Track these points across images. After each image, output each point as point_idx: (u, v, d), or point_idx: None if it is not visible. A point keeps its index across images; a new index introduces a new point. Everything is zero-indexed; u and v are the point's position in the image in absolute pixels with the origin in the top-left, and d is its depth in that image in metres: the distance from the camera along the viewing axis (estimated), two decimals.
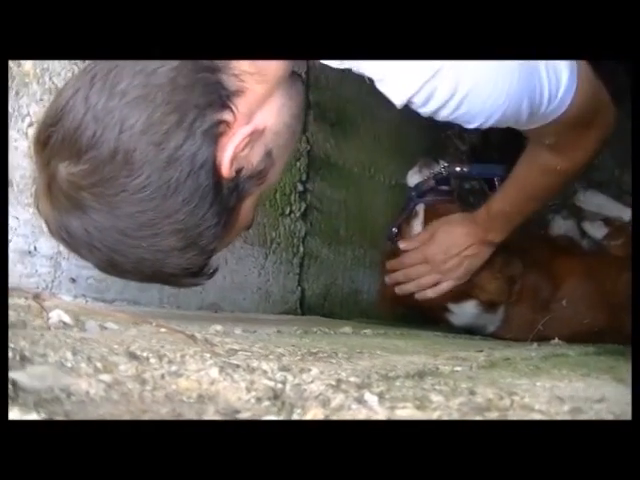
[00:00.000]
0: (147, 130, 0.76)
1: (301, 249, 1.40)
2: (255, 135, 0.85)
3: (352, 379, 0.59)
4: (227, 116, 0.81)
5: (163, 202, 0.78)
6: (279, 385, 0.55)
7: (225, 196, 0.83)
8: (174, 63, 0.79)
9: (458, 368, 0.75)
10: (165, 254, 0.81)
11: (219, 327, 0.85)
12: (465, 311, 1.49)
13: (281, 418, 0.51)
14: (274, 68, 0.87)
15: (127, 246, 0.80)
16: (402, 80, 0.86)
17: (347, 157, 1.54)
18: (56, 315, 0.70)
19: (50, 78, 0.98)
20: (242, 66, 0.83)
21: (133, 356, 0.58)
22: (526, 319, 1.52)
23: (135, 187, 0.77)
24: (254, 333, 0.90)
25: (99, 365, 0.55)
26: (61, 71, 0.99)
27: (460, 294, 1.47)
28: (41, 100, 0.97)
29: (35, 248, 0.96)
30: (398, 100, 0.87)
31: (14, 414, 0.47)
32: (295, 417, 0.51)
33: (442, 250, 1.42)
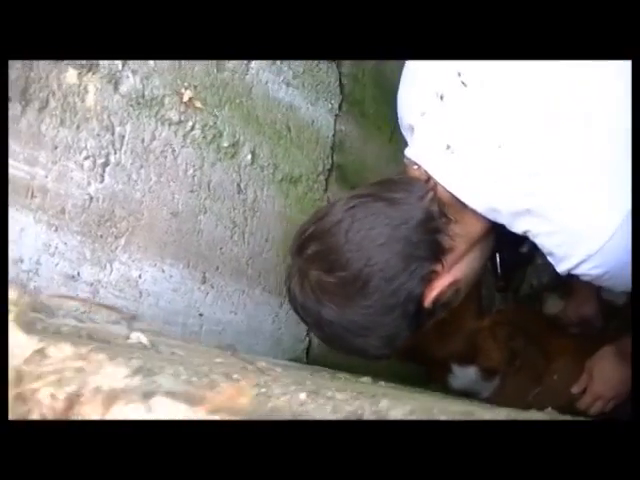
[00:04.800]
0: (383, 269, 1.00)
1: None
2: (453, 283, 1.07)
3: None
4: (438, 267, 1.04)
5: (379, 317, 1.03)
6: (359, 411, 0.61)
7: (422, 318, 1.08)
8: (412, 223, 1.00)
9: None
10: (367, 345, 1.07)
11: (264, 363, 0.91)
12: (465, 375, 1.54)
13: None
14: (479, 231, 1.06)
15: (343, 335, 1.05)
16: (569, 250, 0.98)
17: None
18: (135, 337, 0.75)
19: (108, 116, 1.05)
20: (456, 229, 1.04)
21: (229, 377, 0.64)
22: (519, 389, 1.57)
23: (364, 305, 1.02)
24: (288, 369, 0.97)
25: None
26: (118, 110, 1.06)
27: (465, 358, 1.53)
28: (98, 135, 1.04)
29: (78, 273, 1.01)
30: (560, 269, 1.01)
31: None
32: None
33: (608, 387, 1.51)
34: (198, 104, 1.15)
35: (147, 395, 0.56)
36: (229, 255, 1.25)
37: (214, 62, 1.20)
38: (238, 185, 1.25)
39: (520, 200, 0.96)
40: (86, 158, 1.02)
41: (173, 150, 1.13)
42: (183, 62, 1.14)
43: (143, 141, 1.09)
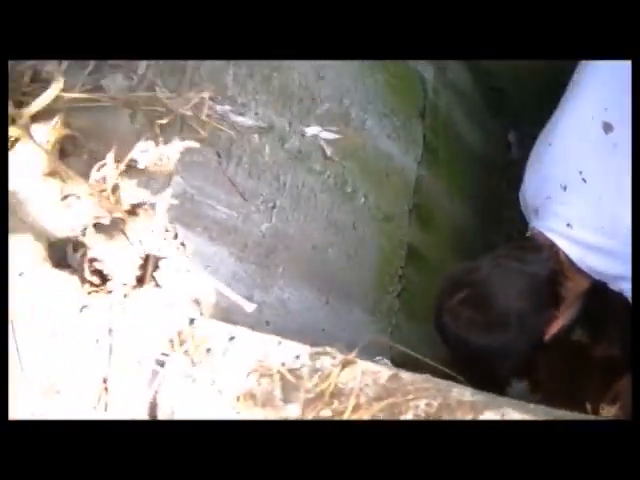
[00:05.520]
0: (519, 314, 1.31)
1: (394, 321, 1.71)
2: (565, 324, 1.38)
3: None
4: (557, 312, 1.36)
5: (512, 347, 1.34)
6: None
7: (538, 346, 1.39)
8: (541, 279, 1.33)
9: None
10: (497, 366, 1.39)
11: None
12: (518, 388, 1.80)
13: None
14: (585, 286, 1.36)
15: (480, 357, 1.35)
16: None
17: (431, 249, 1.86)
18: None
19: (277, 168, 1.28)
20: (569, 284, 1.34)
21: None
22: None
23: (502, 339, 1.34)
24: None
25: None
26: (283, 163, 1.29)
27: (522, 372, 1.78)
28: (270, 184, 1.27)
29: (252, 295, 1.24)
30: None
31: None
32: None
33: None
34: (335, 158, 1.40)
35: None
36: (345, 280, 1.49)
37: (344, 119, 1.44)
38: (354, 224, 1.50)
39: (619, 268, 1.24)
40: (262, 202, 1.25)
41: (315, 195, 1.38)
42: (325, 120, 1.38)
43: (297, 187, 1.33)
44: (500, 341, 1.33)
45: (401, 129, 1.65)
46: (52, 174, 0.99)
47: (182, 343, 0.79)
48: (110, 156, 0.85)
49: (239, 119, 0.92)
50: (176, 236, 0.87)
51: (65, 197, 0.98)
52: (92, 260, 0.79)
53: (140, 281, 0.82)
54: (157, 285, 0.82)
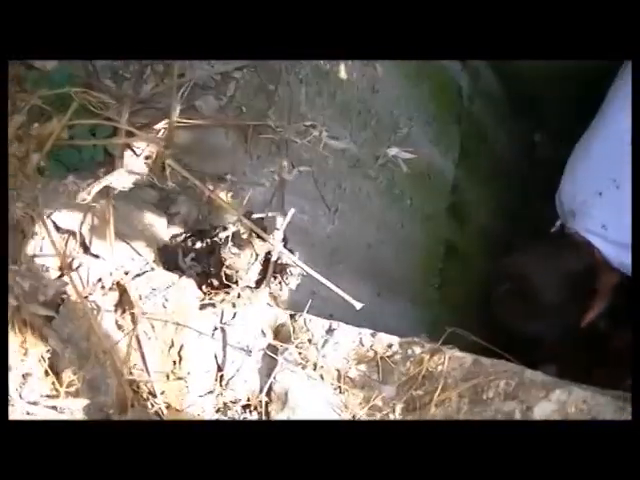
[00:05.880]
0: (559, 304, 1.52)
1: (435, 311, 1.85)
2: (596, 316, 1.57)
3: None
4: (590, 303, 1.54)
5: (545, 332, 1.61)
6: None
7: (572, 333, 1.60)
8: (579, 272, 1.50)
9: None
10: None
11: None
12: (550, 372, 1.95)
13: None
14: (616, 281, 1.51)
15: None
16: None
17: (467, 245, 2.00)
18: None
19: (339, 176, 1.41)
20: (603, 278, 1.50)
21: None
22: None
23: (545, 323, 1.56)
24: None
25: None
26: (343, 170, 1.41)
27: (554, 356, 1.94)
28: (334, 191, 1.40)
29: (318, 290, 1.38)
30: None
31: None
32: None
33: None
34: (389, 165, 1.53)
35: None
36: (393, 275, 1.63)
37: (392, 124, 1.57)
38: (401, 223, 1.64)
39: None
40: (328, 207, 1.39)
41: (370, 198, 1.51)
42: (378, 130, 1.51)
43: (354, 192, 1.47)
44: (541, 328, 1.47)
45: (441, 134, 1.78)
46: (155, 185, 1.12)
47: (288, 335, 0.93)
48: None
49: (333, 142, 1.05)
50: (286, 242, 1.00)
51: (169, 206, 1.11)
52: (221, 265, 0.93)
53: (258, 283, 0.96)
54: (270, 286, 0.95)
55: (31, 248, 0.92)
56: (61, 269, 0.91)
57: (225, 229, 0.95)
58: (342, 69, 1.40)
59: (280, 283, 0.97)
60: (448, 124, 1.82)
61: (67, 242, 0.99)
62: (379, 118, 1.53)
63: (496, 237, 2.06)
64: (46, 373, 0.86)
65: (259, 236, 0.93)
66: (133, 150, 1.11)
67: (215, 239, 0.96)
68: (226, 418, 0.89)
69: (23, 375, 0.80)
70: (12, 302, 0.78)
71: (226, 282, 0.92)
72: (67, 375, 0.82)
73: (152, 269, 1.03)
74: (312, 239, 1.36)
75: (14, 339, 0.79)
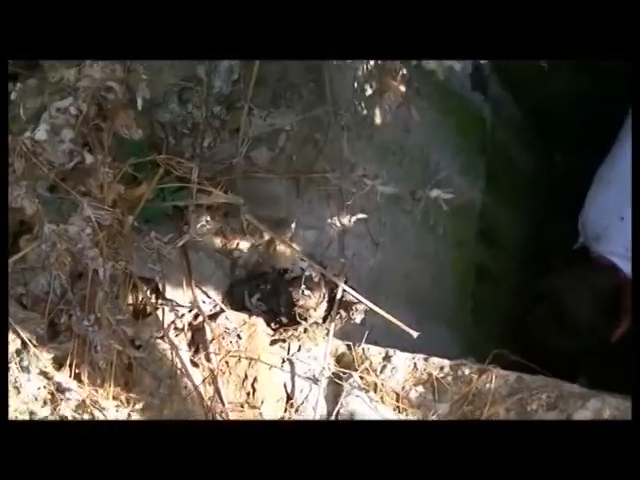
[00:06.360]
0: (589, 322, 1.66)
1: (469, 333, 1.95)
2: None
3: None
4: (618, 320, 1.64)
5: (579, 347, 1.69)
6: None
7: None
8: (606, 292, 1.62)
9: None
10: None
11: None
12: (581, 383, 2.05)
13: None
14: None
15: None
16: None
17: (497, 267, 2.10)
18: None
19: (379, 213, 1.52)
20: (628, 296, 1.57)
21: None
22: None
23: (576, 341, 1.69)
24: None
25: None
26: (383, 207, 1.53)
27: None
28: (375, 226, 1.52)
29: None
30: None
31: None
32: None
33: None
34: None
35: None
36: (429, 301, 1.74)
37: (425, 155, 1.69)
38: (435, 250, 1.75)
39: None
40: (375, 243, 1.50)
41: (406, 229, 1.63)
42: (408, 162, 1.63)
43: (393, 226, 1.58)
44: (576, 344, 1.58)
45: (468, 165, 1.90)
46: (217, 233, 1.24)
47: (350, 363, 1.04)
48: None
49: (382, 189, 1.16)
50: (347, 280, 1.12)
51: (232, 252, 1.23)
52: (292, 305, 1.04)
53: (324, 319, 1.07)
54: (334, 321, 1.07)
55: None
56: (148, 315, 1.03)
57: (287, 271, 1.07)
58: (377, 112, 1.52)
59: (347, 318, 1.08)
60: (474, 154, 1.94)
61: (147, 290, 1.11)
62: (412, 155, 1.65)
63: (524, 259, 2.17)
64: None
65: (324, 276, 1.04)
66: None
67: (278, 280, 1.07)
68: None
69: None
70: (117, 347, 0.90)
71: (297, 320, 1.03)
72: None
73: (222, 310, 1.15)
74: (358, 273, 1.47)
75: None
